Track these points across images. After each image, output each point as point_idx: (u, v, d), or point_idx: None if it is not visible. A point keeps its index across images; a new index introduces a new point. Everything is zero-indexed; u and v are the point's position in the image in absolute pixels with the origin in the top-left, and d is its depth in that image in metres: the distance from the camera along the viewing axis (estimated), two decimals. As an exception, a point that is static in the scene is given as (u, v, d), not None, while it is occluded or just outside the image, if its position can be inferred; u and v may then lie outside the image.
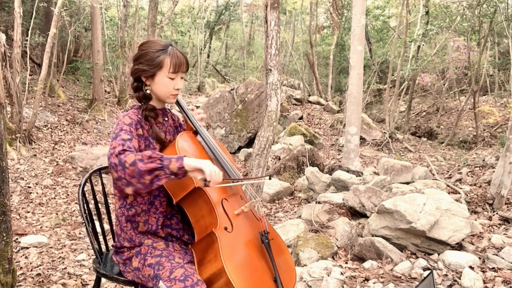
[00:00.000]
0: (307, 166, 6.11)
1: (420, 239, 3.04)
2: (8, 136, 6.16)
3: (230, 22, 19.74)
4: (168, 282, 1.41)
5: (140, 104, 1.69)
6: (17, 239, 3.83)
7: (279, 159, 6.86)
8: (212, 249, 1.47)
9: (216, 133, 8.12)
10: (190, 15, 17.08)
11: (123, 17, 11.27)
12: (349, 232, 3.32)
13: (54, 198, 5.24)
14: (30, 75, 8.44)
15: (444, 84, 10.19)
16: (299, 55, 16.52)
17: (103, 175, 2.01)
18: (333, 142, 8.96)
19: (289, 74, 17.16)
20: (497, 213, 3.69)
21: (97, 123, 8.98)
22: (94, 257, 1.84)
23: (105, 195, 1.98)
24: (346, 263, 2.96)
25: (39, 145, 6.92)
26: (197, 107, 9.70)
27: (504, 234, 3.26)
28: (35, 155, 6.50)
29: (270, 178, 1.83)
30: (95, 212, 1.98)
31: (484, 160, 5.76)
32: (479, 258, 2.82)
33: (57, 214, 4.71)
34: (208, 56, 18.86)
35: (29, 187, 5.41)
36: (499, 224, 3.52)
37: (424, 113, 11.26)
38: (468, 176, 5.13)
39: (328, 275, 2.67)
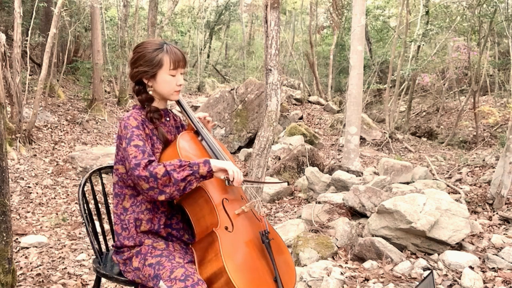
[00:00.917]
0: (307, 166, 6.10)
1: (420, 239, 3.04)
2: (8, 136, 6.16)
3: (230, 22, 19.74)
4: (168, 282, 1.42)
5: (141, 105, 1.69)
6: (17, 239, 3.83)
7: (279, 159, 6.86)
8: (213, 248, 1.47)
9: (216, 133, 8.12)
10: (190, 15, 17.07)
11: (123, 17, 11.27)
12: (349, 232, 3.32)
13: (54, 198, 5.24)
14: (30, 75, 8.44)
15: (444, 84, 10.19)
16: (299, 55, 16.52)
17: (103, 175, 2.01)
18: (333, 142, 8.96)
19: (289, 74, 17.16)
20: (497, 213, 3.69)
21: (97, 123, 8.98)
22: (94, 257, 1.83)
23: (105, 195, 1.98)
24: (346, 263, 2.96)
25: (39, 145, 6.92)
26: (197, 107, 9.70)
27: (504, 234, 3.26)
28: (35, 155, 6.50)
29: (288, 184, 1.86)
30: (95, 212, 1.98)
31: (484, 160, 5.76)
32: (479, 258, 2.82)
33: (57, 214, 4.71)
34: (208, 56, 18.85)
35: (29, 187, 5.41)
36: (499, 224, 3.52)
37: (424, 113, 11.26)
38: (468, 176, 5.13)
39: (328, 275, 2.67)
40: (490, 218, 3.64)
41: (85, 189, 1.87)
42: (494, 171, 4.36)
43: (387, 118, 9.24)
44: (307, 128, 8.75)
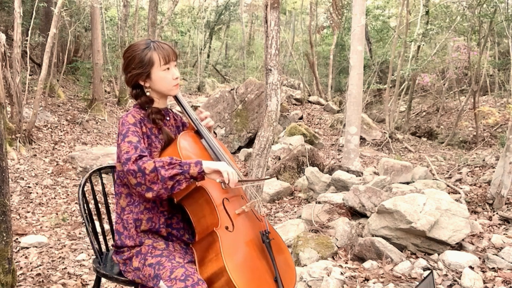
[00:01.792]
0: (307, 166, 6.10)
1: (420, 239, 3.04)
2: (8, 136, 6.16)
3: (230, 22, 19.73)
4: (168, 282, 1.41)
5: (142, 107, 1.69)
6: (17, 239, 3.83)
7: (279, 159, 6.86)
8: (213, 248, 1.47)
9: (216, 133, 8.12)
10: (190, 15, 17.08)
11: (123, 17, 11.28)
12: (349, 232, 3.32)
13: (54, 198, 5.24)
14: (30, 75, 8.44)
15: (444, 84, 10.18)
16: (299, 55, 16.51)
17: (103, 175, 2.01)
18: (333, 142, 8.96)
19: (289, 74, 17.16)
20: (497, 213, 3.69)
21: (97, 123, 8.98)
22: (94, 257, 1.84)
23: (105, 195, 1.98)
24: (346, 263, 2.96)
25: (39, 145, 6.92)
26: (197, 107, 9.71)
27: (504, 234, 3.26)
28: (35, 155, 6.50)
29: (277, 178, 1.85)
30: (95, 212, 1.98)
31: (484, 160, 5.76)
32: (479, 258, 2.82)
33: (57, 214, 4.71)
34: (208, 56, 18.85)
35: (29, 187, 5.41)
36: (499, 224, 3.52)
37: (424, 113, 11.25)
38: (468, 176, 5.13)
39: (328, 275, 2.67)
40: (490, 218, 3.64)
41: (85, 189, 1.87)
42: (494, 171, 4.36)
43: (387, 118, 9.24)
44: (307, 128, 8.75)
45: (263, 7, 4.19)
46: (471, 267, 2.67)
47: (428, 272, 2.55)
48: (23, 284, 2.94)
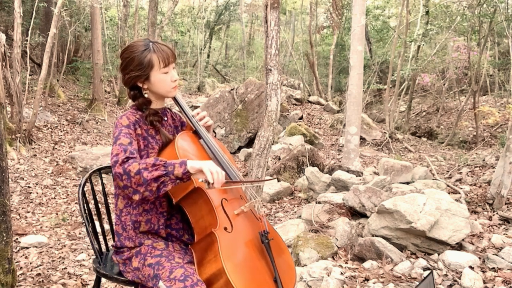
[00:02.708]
0: (307, 166, 6.10)
1: (420, 239, 3.04)
2: (8, 136, 6.16)
3: (230, 22, 19.73)
4: (167, 282, 1.41)
5: (139, 108, 1.67)
6: (17, 239, 3.83)
7: (279, 159, 6.86)
8: (212, 249, 1.47)
9: (216, 133, 8.12)
10: (190, 15, 17.08)
11: (123, 17, 11.28)
12: (349, 232, 3.32)
13: (54, 198, 5.24)
14: (30, 75, 8.44)
15: (444, 84, 10.18)
16: (299, 55, 16.51)
17: (103, 175, 2.01)
18: (333, 142, 8.96)
19: (289, 74, 17.15)
20: (497, 213, 3.69)
21: (97, 123, 8.99)
22: (94, 257, 1.84)
23: (105, 195, 1.98)
24: (346, 263, 2.96)
25: (39, 145, 6.92)
26: (197, 107, 9.69)
27: (504, 234, 3.26)
28: (35, 155, 6.50)
29: (278, 180, 1.84)
30: (95, 212, 1.98)
31: (484, 160, 5.76)
32: (479, 258, 2.82)
33: (57, 214, 4.71)
34: (208, 56, 18.85)
35: (29, 187, 5.41)
36: (499, 224, 3.52)
37: (424, 113, 11.25)
38: (468, 176, 5.13)
39: (328, 275, 2.67)
40: (490, 218, 3.64)
41: (85, 189, 1.87)
42: (494, 171, 4.36)
43: (387, 118, 9.24)
44: (307, 128, 8.75)
45: (263, 7, 4.19)
46: (471, 267, 2.67)
47: (428, 272, 2.55)
48: (23, 284, 2.94)
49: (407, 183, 5.00)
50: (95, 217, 2.02)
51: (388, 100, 9.75)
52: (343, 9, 13.00)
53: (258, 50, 20.03)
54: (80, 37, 12.37)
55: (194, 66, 17.09)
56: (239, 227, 1.58)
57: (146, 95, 1.66)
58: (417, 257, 2.95)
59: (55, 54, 9.52)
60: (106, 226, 2.79)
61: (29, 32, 8.04)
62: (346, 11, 12.94)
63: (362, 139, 8.45)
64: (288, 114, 10.30)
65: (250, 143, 8.09)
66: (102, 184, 1.99)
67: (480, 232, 3.27)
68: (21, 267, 3.24)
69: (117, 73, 10.91)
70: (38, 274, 3.14)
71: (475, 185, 4.64)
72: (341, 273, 2.70)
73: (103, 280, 1.92)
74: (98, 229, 1.98)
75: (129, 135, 1.55)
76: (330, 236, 3.39)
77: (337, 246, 3.22)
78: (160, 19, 12.36)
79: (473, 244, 3.07)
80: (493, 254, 2.83)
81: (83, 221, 1.82)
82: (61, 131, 7.90)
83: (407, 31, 9.88)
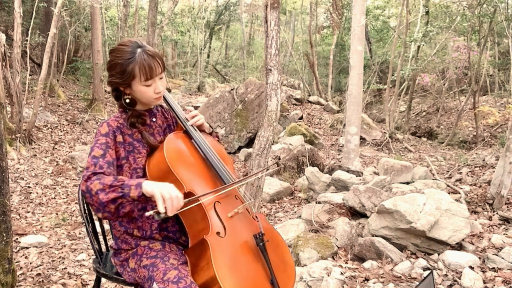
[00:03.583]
0: (307, 166, 6.10)
1: (420, 239, 3.04)
2: (8, 136, 6.16)
3: (230, 22, 19.72)
4: (161, 284, 1.40)
5: (123, 109, 1.63)
6: (17, 239, 3.83)
7: (279, 159, 6.86)
8: (204, 256, 1.44)
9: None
10: (190, 15, 17.08)
11: (123, 17, 11.28)
12: (349, 232, 3.32)
13: (54, 198, 5.24)
14: (30, 75, 8.44)
15: (444, 84, 10.18)
16: (299, 55, 16.51)
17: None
18: (333, 142, 8.96)
19: (289, 74, 17.16)
20: (497, 213, 3.69)
21: (97, 123, 8.98)
22: (94, 257, 1.83)
23: (105, 195, 1.97)
24: (346, 263, 2.96)
25: (39, 145, 6.92)
26: (197, 107, 9.69)
27: (504, 234, 3.26)
28: (35, 155, 6.50)
29: (279, 172, 1.81)
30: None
31: (484, 160, 5.76)
32: (479, 258, 2.82)
33: (57, 214, 4.71)
34: (208, 56, 18.85)
35: (29, 187, 5.41)
36: (499, 224, 3.52)
37: (424, 113, 11.25)
38: (468, 176, 5.13)
39: (328, 275, 2.67)
40: (490, 218, 3.64)
41: (85, 189, 1.87)
42: (494, 171, 4.36)
43: (387, 118, 9.24)
44: (307, 128, 8.75)
45: (263, 7, 4.19)
46: (471, 267, 2.67)
47: (428, 272, 2.55)
48: (23, 284, 2.94)
49: (407, 183, 5.00)
50: (95, 217, 2.02)
51: (388, 100, 9.75)
52: (343, 9, 13.01)
53: (258, 50, 20.03)
54: (80, 37, 12.37)
55: (194, 66, 17.09)
56: (233, 230, 1.54)
57: (127, 100, 1.60)
58: (417, 257, 2.95)
59: (55, 54, 9.52)
60: (106, 226, 2.79)
61: (29, 32, 8.04)
62: (346, 11, 12.94)
63: (362, 139, 8.46)
64: (288, 114, 10.30)
65: (250, 143, 8.09)
66: (102, 184, 1.99)
67: (480, 232, 3.27)
68: (21, 267, 3.24)
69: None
70: (38, 274, 3.14)
71: (475, 185, 4.64)
72: (341, 273, 2.70)
73: (103, 280, 1.92)
74: (98, 229, 1.98)
75: (104, 145, 1.51)
76: (330, 236, 3.39)
77: (337, 246, 3.22)
78: (160, 19, 12.36)
79: (473, 244, 3.07)
80: (493, 254, 2.83)
81: (83, 221, 1.82)
82: (61, 131, 7.90)
83: (407, 31, 9.88)
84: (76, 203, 5.07)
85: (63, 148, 7.18)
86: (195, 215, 1.53)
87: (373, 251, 2.97)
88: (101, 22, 10.67)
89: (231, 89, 8.78)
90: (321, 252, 3.07)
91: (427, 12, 10.63)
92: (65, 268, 3.31)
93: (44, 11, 9.67)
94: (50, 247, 3.75)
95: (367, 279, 2.67)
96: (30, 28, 8.12)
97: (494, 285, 2.50)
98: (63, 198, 5.27)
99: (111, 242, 1.78)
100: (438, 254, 2.95)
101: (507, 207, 3.80)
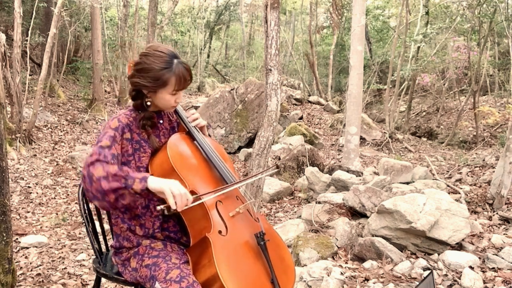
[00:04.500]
0: (307, 166, 6.10)
1: (420, 239, 3.04)
2: (8, 136, 6.16)
3: (230, 22, 19.72)
4: (163, 283, 1.40)
5: (136, 109, 1.64)
6: (17, 239, 3.83)
7: (279, 159, 6.86)
8: (206, 254, 1.45)
9: (216, 133, 8.12)
10: (190, 15, 17.08)
11: (123, 17, 11.28)
12: (349, 232, 3.32)
13: (54, 198, 5.24)
14: (30, 75, 8.44)
15: (444, 84, 10.18)
16: (299, 55, 16.51)
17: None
18: (333, 142, 8.95)
19: (289, 74, 17.16)
20: (497, 213, 3.69)
21: (97, 123, 8.99)
22: (94, 257, 1.84)
23: (105, 195, 1.97)
24: (346, 263, 2.96)
25: (39, 145, 6.92)
26: (197, 107, 9.69)
27: (504, 234, 3.26)
28: (35, 155, 6.50)
29: (278, 170, 1.82)
30: (95, 212, 1.98)
31: (484, 160, 5.76)
32: (479, 258, 2.82)
33: (57, 214, 4.71)
34: (208, 56, 18.85)
35: (29, 187, 5.41)
36: (499, 224, 3.52)
37: (424, 113, 11.25)
38: (468, 176, 5.13)
39: (328, 275, 2.67)
40: (490, 218, 3.64)
41: (85, 189, 1.87)
42: (494, 171, 4.36)
43: (387, 118, 9.24)
44: (307, 128, 8.75)
45: (263, 7, 4.19)
46: (471, 267, 2.67)
47: (428, 272, 2.55)
48: (23, 284, 2.94)
49: (407, 183, 5.00)
50: (95, 217, 2.02)
51: (388, 100, 9.75)
52: (343, 9, 13.01)
53: (258, 50, 20.03)
54: (80, 37, 12.37)
55: (194, 66, 17.08)
56: (234, 230, 1.55)
57: (148, 103, 1.62)
58: (417, 257, 2.95)
59: (55, 54, 9.52)
60: (106, 226, 2.79)
61: (29, 32, 8.04)
62: (346, 11, 12.94)
63: (362, 139, 8.46)
64: (288, 114, 10.30)
65: (250, 143, 8.09)
66: (102, 184, 1.99)
67: (480, 232, 3.27)
68: (21, 267, 3.24)
69: (117, 73, 10.92)
70: (38, 274, 3.14)
71: (475, 185, 4.64)
72: (341, 273, 2.70)
73: (103, 280, 1.92)
74: (98, 229, 1.98)
75: (112, 138, 1.51)
76: (330, 236, 3.39)
77: (337, 246, 3.22)
78: (160, 19, 12.36)
79: (473, 244, 3.07)
80: (493, 254, 2.83)
81: (83, 221, 1.82)
82: (61, 131, 7.90)
83: (407, 31, 9.88)
84: (76, 203, 5.07)
85: (63, 148, 7.18)
86: (197, 213, 1.54)
87: (373, 251, 2.97)
88: (101, 22, 10.67)
89: (231, 89, 8.78)
90: (321, 252, 3.07)
91: (427, 12, 10.62)
92: (65, 268, 3.31)
93: (44, 11, 9.67)
94: (50, 247, 3.75)
95: (367, 279, 2.67)
96: (30, 28, 8.12)
97: (494, 285, 2.50)
98: (63, 198, 5.27)
99: (111, 242, 1.78)
100: (438, 254, 2.95)
101: (507, 207, 3.80)
